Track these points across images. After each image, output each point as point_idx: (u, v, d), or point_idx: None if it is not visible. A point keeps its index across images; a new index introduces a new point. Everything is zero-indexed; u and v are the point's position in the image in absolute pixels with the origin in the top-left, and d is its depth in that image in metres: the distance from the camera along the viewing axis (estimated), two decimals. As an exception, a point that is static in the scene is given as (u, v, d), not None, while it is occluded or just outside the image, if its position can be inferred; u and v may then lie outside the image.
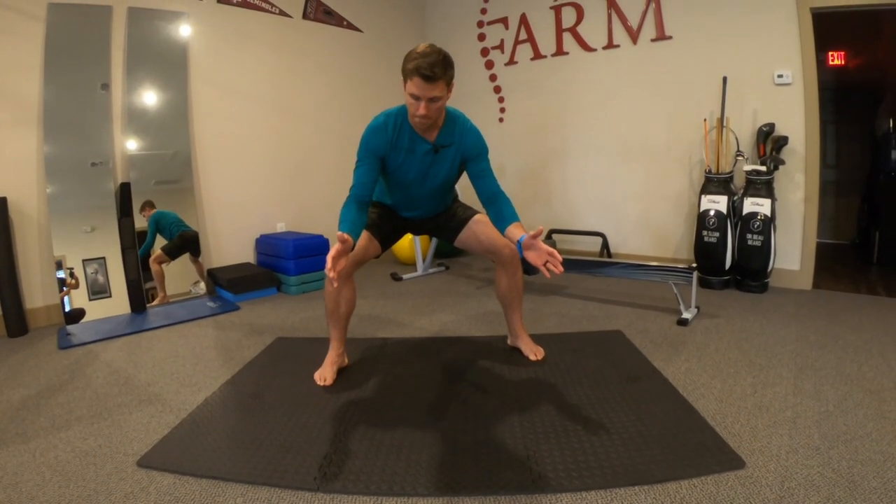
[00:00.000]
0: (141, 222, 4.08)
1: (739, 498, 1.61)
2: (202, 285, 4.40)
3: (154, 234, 4.17)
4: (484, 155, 2.48)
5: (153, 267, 4.15)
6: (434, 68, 2.09)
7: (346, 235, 2.06)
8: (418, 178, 2.48)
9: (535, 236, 2.11)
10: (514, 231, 2.31)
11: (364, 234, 2.52)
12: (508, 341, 3.01)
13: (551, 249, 2.05)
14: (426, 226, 2.81)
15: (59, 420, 2.29)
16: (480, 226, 2.66)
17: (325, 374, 2.60)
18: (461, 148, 2.45)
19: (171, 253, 4.26)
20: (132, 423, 2.24)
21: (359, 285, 2.68)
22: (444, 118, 2.39)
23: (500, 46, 5.83)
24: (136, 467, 1.89)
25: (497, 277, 2.81)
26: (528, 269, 4.26)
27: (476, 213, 2.74)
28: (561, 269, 2.02)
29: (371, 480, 1.75)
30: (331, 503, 1.66)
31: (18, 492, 1.76)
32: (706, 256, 4.20)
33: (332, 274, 1.97)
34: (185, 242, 4.33)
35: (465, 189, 5.83)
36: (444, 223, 2.76)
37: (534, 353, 2.84)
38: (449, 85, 2.21)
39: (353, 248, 2.22)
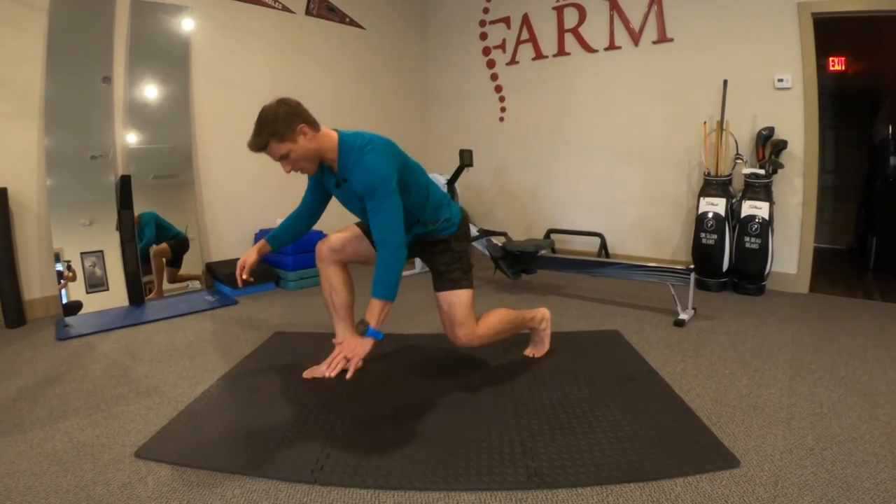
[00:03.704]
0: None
1: (734, 496, 1.62)
2: (196, 283, 4.41)
3: (155, 230, 4.17)
4: (373, 193, 2.12)
5: (155, 260, 4.16)
6: (256, 142, 2.11)
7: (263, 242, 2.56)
8: (345, 206, 2.43)
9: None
10: (370, 309, 2.11)
11: (355, 233, 2.54)
12: None
13: (350, 362, 1.96)
14: (414, 252, 2.60)
15: (57, 411, 2.29)
16: (443, 307, 2.42)
17: (313, 369, 2.59)
18: (353, 184, 2.21)
19: (176, 249, 4.29)
20: (130, 415, 2.25)
21: (356, 282, 2.67)
22: (339, 151, 2.22)
23: (502, 46, 5.83)
24: (134, 458, 1.90)
25: None
26: (519, 271, 4.29)
27: (447, 288, 2.42)
28: (332, 374, 2.00)
29: (368, 474, 1.76)
30: (328, 496, 1.67)
31: (15, 481, 1.76)
32: (704, 258, 4.21)
33: (238, 280, 2.46)
34: (183, 246, 4.34)
35: (466, 190, 5.82)
36: (430, 259, 2.53)
37: (532, 351, 2.85)
38: (285, 137, 2.09)
39: (268, 252, 2.62)
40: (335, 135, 2.24)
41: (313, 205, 2.52)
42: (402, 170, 2.22)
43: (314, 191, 2.49)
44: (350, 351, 1.94)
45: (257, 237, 4.85)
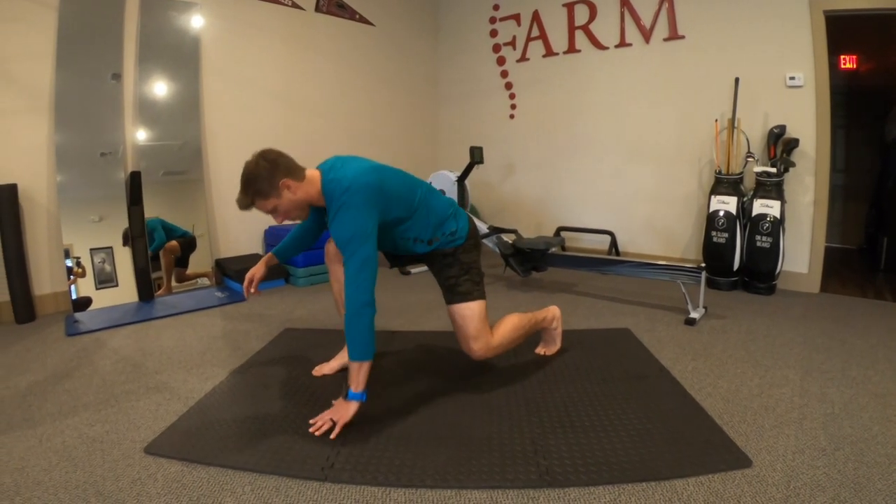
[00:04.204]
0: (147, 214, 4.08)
1: (746, 496, 1.61)
2: (206, 280, 4.42)
3: (163, 234, 4.18)
4: (345, 246, 2.03)
5: (165, 257, 4.16)
6: (243, 201, 2.12)
7: (269, 255, 2.61)
8: None
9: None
10: (350, 372, 2.03)
11: None
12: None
13: (336, 423, 1.97)
14: (422, 263, 2.61)
15: (66, 406, 2.30)
16: (456, 320, 2.35)
17: (322, 366, 2.62)
18: (332, 231, 2.13)
19: (184, 248, 4.29)
20: (139, 411, 2.25)
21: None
22: (323, 196, 2.17)
23: (513, 43, 5.82)
24: (144, 454, 1.90)
25: None
26: (530, 269, 4.28)
27: (458, 301, 2.34)
28: (318, 434, 1.97)
29: (379, 471, 1.76)
30: (338, 493, 1.67)
31: (25, 476, 1.77)
32: (715, 257, 4.18)
33: (246, 293, 2.57)
34: (191, 245, 4.35)
35: (477, 187, 5.79)
36: (438, 272, 2.47)
37: (544, 349, 2.86)
38: (269, 194, 2.09)
39: (277, 264, 2.67)
40: (318, 177, 2.18)
41: (317, 220, 2.52)
42: (386, 210, 2.15)
43: (311, 217, 2.48)
44: (336, 415, 1.99)
45: (266, 234, 4.86)
